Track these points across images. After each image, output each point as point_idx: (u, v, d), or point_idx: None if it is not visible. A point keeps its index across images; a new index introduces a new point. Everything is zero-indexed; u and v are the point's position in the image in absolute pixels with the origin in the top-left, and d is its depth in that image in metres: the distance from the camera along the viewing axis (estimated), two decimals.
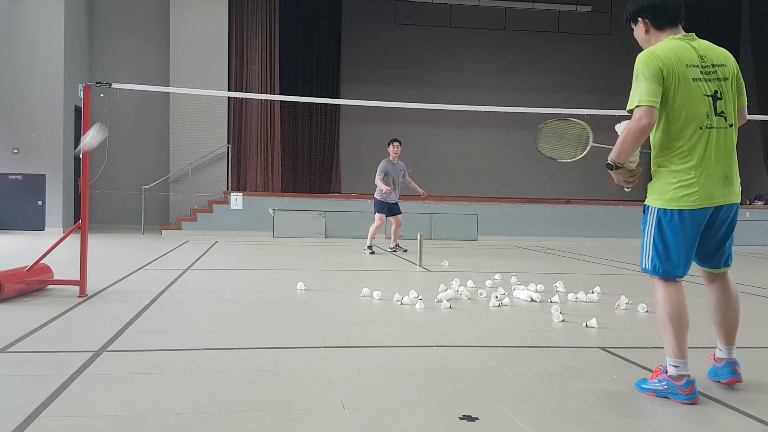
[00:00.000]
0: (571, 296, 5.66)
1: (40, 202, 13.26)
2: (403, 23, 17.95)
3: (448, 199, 15.02)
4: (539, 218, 14.97)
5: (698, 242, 2.89)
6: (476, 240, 14.28)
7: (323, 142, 17.33)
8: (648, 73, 2.78)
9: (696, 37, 2.94)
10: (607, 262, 9.71)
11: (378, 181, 9.77)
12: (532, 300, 5.52)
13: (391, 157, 9.93)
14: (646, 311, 5.11)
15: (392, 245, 10.37)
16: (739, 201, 2.90)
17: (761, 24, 18.38)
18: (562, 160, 3.89)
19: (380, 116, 16.68)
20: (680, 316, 2.81)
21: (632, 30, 3.15)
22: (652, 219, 2.87)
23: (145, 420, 2.46)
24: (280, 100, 15.69)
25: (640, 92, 2.77)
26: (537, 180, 18.70)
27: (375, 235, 9.95)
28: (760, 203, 16.63)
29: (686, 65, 2.80)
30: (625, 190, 3.06)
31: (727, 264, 3.00)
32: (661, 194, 2.84)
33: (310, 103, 16.08)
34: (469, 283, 6.38)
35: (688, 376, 2.77)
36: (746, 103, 3.00)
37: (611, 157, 2.86)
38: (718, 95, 2.82)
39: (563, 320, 4.64)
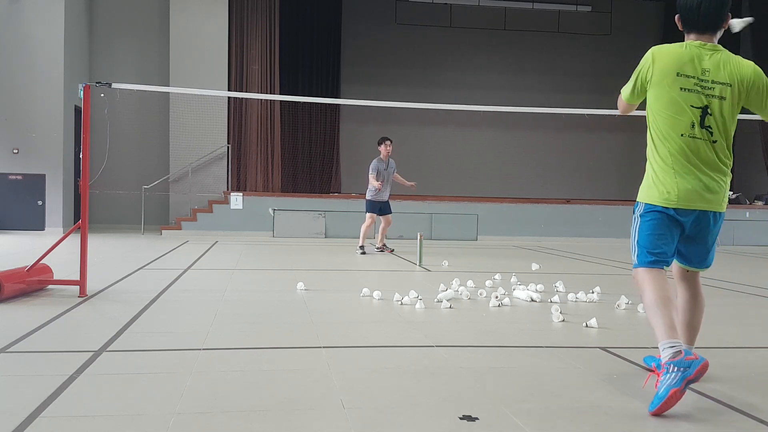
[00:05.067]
0: (571, 296, 5.66)
1: (40, 202, 13.26)
2: (403, 23, 17.95)
3: (448, 199, 15.02)
4: (539, 218, 14.97)
5: (684, 244, 3.00)
6: (476, 240, 14.28)
7: (323, 142, 17.32)
8: (637, 72, 3.00)
9: (718, 50, 2.90)
10: (607, 262, 9.71)
11: (372, 180, 9.80)
12: (532, 300, 5.52)
13: (382, 156, 9.94)
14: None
15: (379, 245, 10.35)
16: (724, 210, 2.96)
17: (761, 24, 18.38)
18: None
19: (380, 116, 16.69)
20: (667, 297, 2.79)
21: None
22: (636, 215, 3.01)
23: (145, 420, 2.46)
24: (280, 100, 15.69)
25: (627, 86, 3.08)
26: (537, 180, 18.71)
27: (367, 234, 9.98)
28: (760, 203, 16.62)
29: (677, 73, 2.86)
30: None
31: (708, 264, 3.08)
32: (644, 190, 2.98)
33: (310, 103, 16.08)
34: (469, 283, 6.38)
35: (681, 349, 2.68)
36: None
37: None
38: (709, 111, 2.86)
39: (563, 320, 4.64)
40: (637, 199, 3.01)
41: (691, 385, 3.09)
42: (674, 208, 2.87)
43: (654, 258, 2.89)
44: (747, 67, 2.94)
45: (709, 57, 2.87)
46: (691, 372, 2.59)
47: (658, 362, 3.28)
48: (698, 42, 2.90)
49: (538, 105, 16.01)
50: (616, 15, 18.51)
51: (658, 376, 2.66)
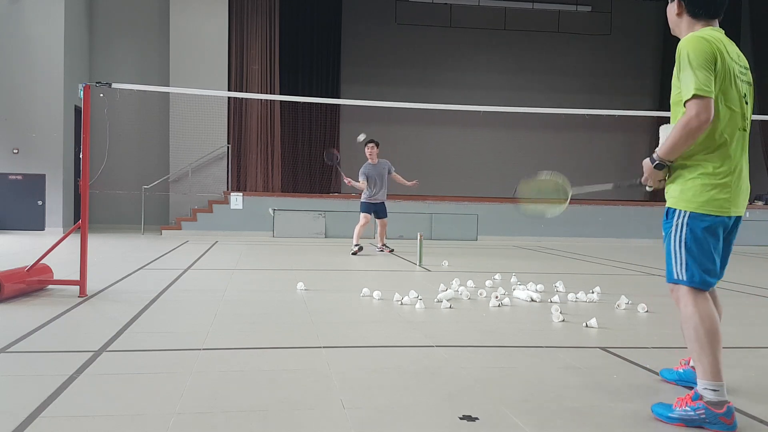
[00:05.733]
0: (571, 296, 5.66)
1: (40, 202, 13.26)
2: (403, 23, 17.95)
3: (448, 199, 15.02)
4: (539, 218, 14.96)
5: None
6: (476, 240, 14.28)
7: (323, 142, 17.32)
8: (700, 59, 2.47)
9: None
10: (607, 262, 9.70)
11: (360, 183, 9.82)
12: (532, 300, 5.52)
13: (369, 160, 9.93)
14: (646, 311, 5.11)
15: (379, 246, 10.36)
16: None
17: (761, 23, 18.39)
18: (550, 215, 3.86)
19: (380, 116, 16.66)
20: (716, 331, 2.55)
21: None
22: (681, 224, 2.60)
23: (145, 420, 2.46)
24: (280, 100, 15.69)
25: (696, 81, 2.44)
26: None
27: (361, 234, 9.90)
28: (760, 203, 16.62)
29: (732, 58, 2.56)
30: (647, 189, 2.87)
31: (722, 275, 2.82)
32: (695, 196, 2.56)
33: (310, 103, 16.08)
34: (469, 283, 6.38)
35: (728, 402, 2.50)
36: None
37: (661, 155, 2.61)
38: (746, 99, 2.65)
39: (563, 320, 4.64)
40: (680, 206, 2.62)
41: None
42: (726, 216, 2.57)
43: (705, 277, 2.58)
44: None
45: (730, 42, 2.65)
46: (711, 427, 2.49)
47: (680, 377, 3.11)
48: (715, 28, 2.66)
49: (538, 105, 16.01)
50: (616, 15, 18.51)
51: (688, 400, 2.55)
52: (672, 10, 2.78)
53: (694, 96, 2.45)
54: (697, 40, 2.53)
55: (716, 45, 2.53)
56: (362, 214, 9.94)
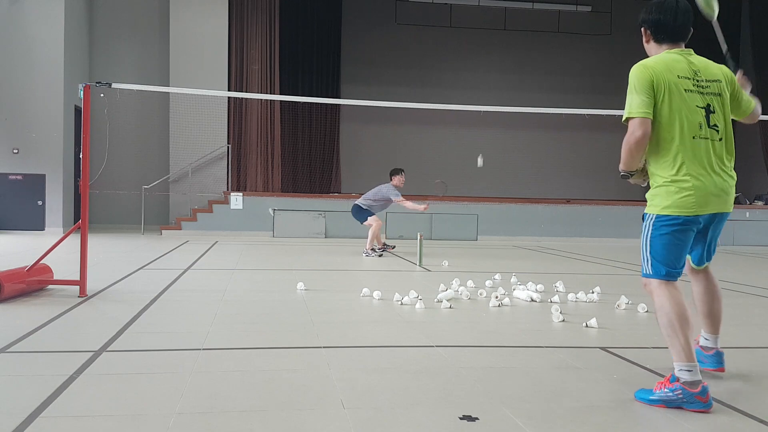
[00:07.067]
0: (571, 296, 5.66)
1: (40, 202, 13.26)
2: (403, 23, 17.96)
3: (448, 199, 15.02)
4: (539, 218, 14.97)
5: (692, 244, 2.98)
6: (476, 240, 14.28)
7: (323, 142, 17.33)
8: (639, 85, 2.84)
9: (693, 53, 2.99)
10: (607, 262, 9.70)
11: (407, 203, 9.69)
12: (532, 300, 5.52)
13: (396, 183, 9.85)
14: (646, 311, 5.11)
15: (380, 246, 10.25)
16: (731, 210, 2.95)
17: (761, 24, 18.37)
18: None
19: (380, 116, 16.69)
20: (686, 316, 2.77)
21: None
22: (648, 225, 2.89)
23: (145, 420, 2.46)
24: (280, 100, 15.69)
25: (632, 104, 2.85)
26: (537, 180, 18.70)
27: (378, 236, 9.80)
28: (760, 203, 16.62)
29: (678, 76, 2.86)
30: (642, 186, 3.17)
31: (710, 259, 3.11)
32: (661, 201, 2.85)
33: (310, 103, 16.07)
34: (469, 283, 6.38)
35: (702, 381, 2.70)
36: (754, 104, 3.11)
37: (621, 168, 2.99)
38: (711, 109, 2.89)
39: (563, 320, 4.64)
40: (649, 211, 2.91)
41: None
42: (692, 215, 2.81)
43: (669, 270, 2.84)
44: (722, 66, 3.06)
45: (691, 59, 2.95)
46: (689, 406, 2.69)
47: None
48: (675, 50, 2.98)
49: (538, 105, 16.00)
50: (616, 15, 18.52)
51: (666, 382, 2.75)
52: (642, 36, 3.12)
53: (628, 118, 2.86)
54: (638, 69, 2.90)
55: (654, 70, 2.86)
56: (371, 218, 9.77)
